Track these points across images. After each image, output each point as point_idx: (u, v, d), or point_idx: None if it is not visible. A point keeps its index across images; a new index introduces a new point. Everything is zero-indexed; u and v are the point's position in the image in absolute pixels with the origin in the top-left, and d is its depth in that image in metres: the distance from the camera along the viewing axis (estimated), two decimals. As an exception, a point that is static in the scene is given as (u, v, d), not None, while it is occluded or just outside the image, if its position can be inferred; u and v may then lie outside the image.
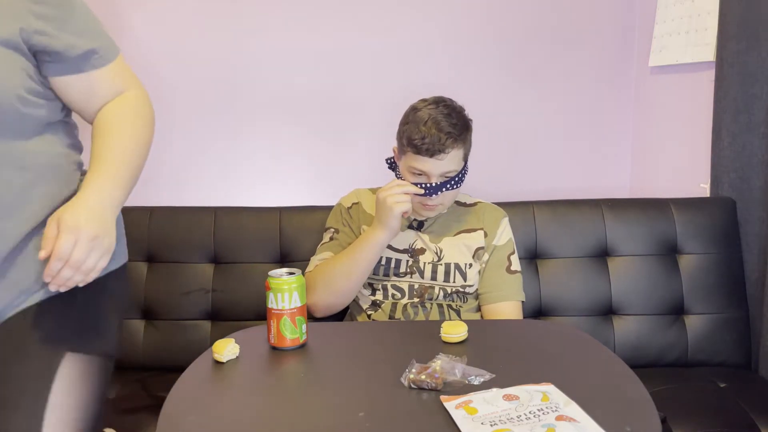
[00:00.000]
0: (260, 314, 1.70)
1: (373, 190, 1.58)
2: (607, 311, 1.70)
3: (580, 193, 2.14)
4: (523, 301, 1.52)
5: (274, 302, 1.09)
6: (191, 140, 2.06)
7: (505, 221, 1.55)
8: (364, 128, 2.09)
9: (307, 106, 2.09)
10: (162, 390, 1.52)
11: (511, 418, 0.79)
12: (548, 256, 1.72)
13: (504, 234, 1.53)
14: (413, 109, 1.45)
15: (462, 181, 1.45)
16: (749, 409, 1.41)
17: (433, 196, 1.41)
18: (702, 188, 1.85)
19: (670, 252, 1.70)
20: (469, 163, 2.18)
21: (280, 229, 1.75)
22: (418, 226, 1.51)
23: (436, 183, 1.41)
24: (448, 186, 1.41)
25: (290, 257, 1.74)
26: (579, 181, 2.22)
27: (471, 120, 1.47)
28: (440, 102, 1.44)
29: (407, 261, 1.49)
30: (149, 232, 1.76)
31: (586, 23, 2.15)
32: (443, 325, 1.12)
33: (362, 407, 0.87)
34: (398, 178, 1.49)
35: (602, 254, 1.72)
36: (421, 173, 1.40)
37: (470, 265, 1.49)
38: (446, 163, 1.39)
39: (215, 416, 0.87)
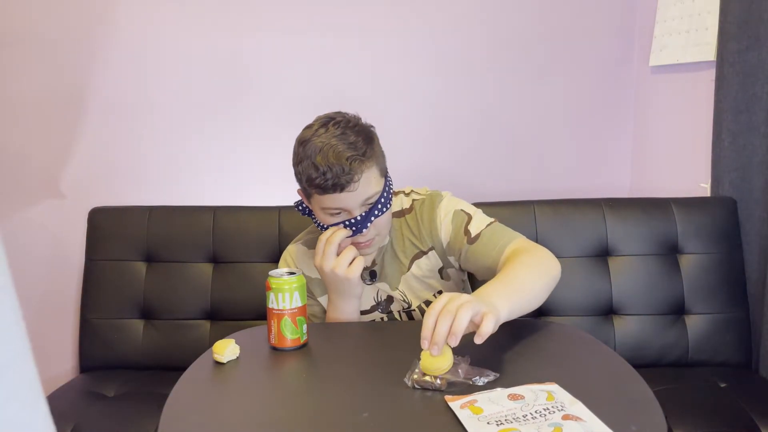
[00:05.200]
0: (260, 314, 1.70)
1: (306, 243, 1.40)
2: (608, 311, 1.70)
3: (580, 192, 2.14)
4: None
5: (274, 302, 1.08)
6: (190, 139, 2.05)
7: (442, 207, 1.30)
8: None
9: (308, 105, 2.07)
10: (162, 389, 1.52)
11: (517, 418, 0.79)
12: (549, 255, 1.72)
13: (445, 221, 1.29)
14: (301, 143, 1.21)
15: (390, 199, 1.24)
16: (749, 409, 1.41)
17: (364, 231, 1.21)
18: (702, 188, 1.85)
19: (670, 252, 1.70)
20: (461, 163, 2.20)
21: (279, 229, 1.75)
22: (371, 277, 1.32)
23: (361, 216, 1.20)
24: (376, 213, 1.21)
25: (290, 257, 1.73)
26: (579, 180, 2.22)
27: (372, 126, 1.25)
28: (328, 123, 1.20)
29: (381, 318, 1.33)
30: (148, 231, 1.75)
31: (586, 23, 2.15)
32: (423, 354, 0.94)
33: (366, 407, 0.86)
34: (315, 223, 1.29)
35: (603, 254, 1.72)
36: (339, 211, 1.20)
37: (440, 291, 1.33)
38: (362, 190, 1.17)
39: (217, 417, 0.86)
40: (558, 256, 1.69)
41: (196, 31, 2.00)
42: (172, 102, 2.02)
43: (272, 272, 1.11)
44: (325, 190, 1.16)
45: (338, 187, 1.15)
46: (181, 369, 1.03)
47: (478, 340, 0.92)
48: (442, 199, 1.32)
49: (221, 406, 0.89)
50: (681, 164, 2.00)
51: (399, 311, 1.33)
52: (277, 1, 2.02)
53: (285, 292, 1.07)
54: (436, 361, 0.92)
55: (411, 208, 1.33)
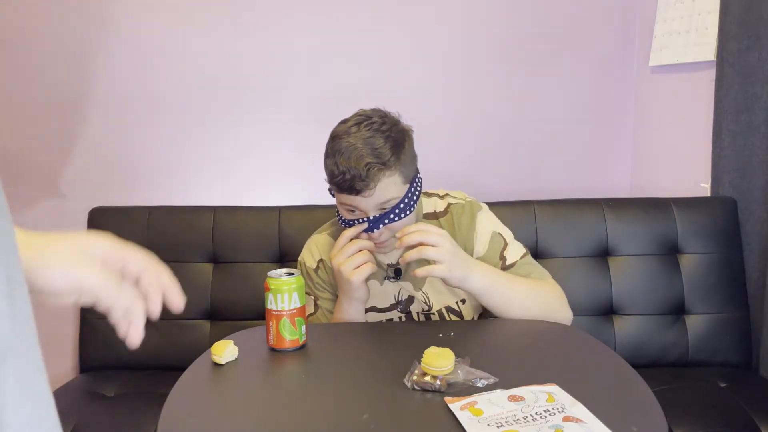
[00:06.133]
0: (260, 314, 1.69)
1: (330, 233, 1.39)
2: (608, 311, 1.70)
3: (580, 192, 2.14)
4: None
5: (273, 303, 1.08)
6: (190, 139, 2.05)
7: (481, 219, 1.33)
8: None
9: (307, 105, 2.08)
10: (162, 389, 1.52)
11: (518, 419, 0.79)
12: (549, 255, 1.72)
13: (483, 236, 1.31)
14: (333, 139, 1.22)
15: (410, 207, 1.23)
16: (749, 409, 1.41)
17: (375, 231, 1.22)
18: (703, 188, 1.85)
19: (670, 251, 1.70)
20: (460, 163, 2.20)
21: (279, 229, 1.75)
22: (396, 274, 1.31)
23: (375, 217, 1.21)
24: (392, 216, 1.21)
25: (290, 257, 1.73)
26: (579, 180, 2.21)
27: (409, 130, 1.26)
28: (362, 122, 1.20)
29: (399, 317, 1.33)
30: (148, 231, 1.75)
31: (586, 23, 2.15)
32: (426, 353, 0.95)
33: (366, 409, 0.86)
34: (337, 212, 1.32)
35: (603, 254, 1.71)
36: (354, 209, 1.22)
37: (464, 301, 1.32)
38: (378, 195, 1.19)
39: (216, 418, 0.86)
40: (558, 256, 1.71)
41: (198, 32, 2.00)
42: (172, 102, 2.02)
43: (271, 273, 1.11)
44: (341, 189, 1.19)
45: (354, 190, 1.17)
46: (181, 369, 1.03)
47: (421, 272, 1.14)
48: (481, 209, 1.35)
49: (220, 406, 0.89)
50: (681, 164, 2.00)
51: (418, 312, 1.33)
52: (278, 2, 2.02)
53: (284, 293, 1.07)
54: (438, 359, 0.93)
55: (446, 212, 1.34)
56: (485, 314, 1.39)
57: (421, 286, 1.31)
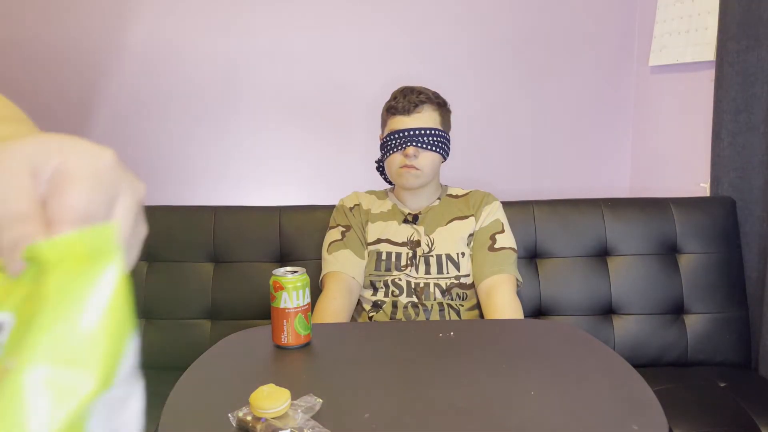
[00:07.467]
0: (260, 314, 1.71)
1: (371, 192, 1.63)
2: (607, 311, 1.70)
3: (579, 192, 2.14)
4: (519, 280, 1.50)
5: (288, 301, 1.09)
6: (191, 139, 2.05)
7: (494, 204, 1.57)
8: (363, 128, 2.09)
9: (307, 105, 2.08)
10: (162, 389, 1.52)
11: None
12: (548, 255, 1.72)
13: (490, 216, 1.55)
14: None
15: (441, 148, 1.48)
16: (749, 409, 1.41)
17: (410, 147, 1.44)
18: (702, 188, 1.85)
19: (669, 251, 1.70)
20: (468, 161, 2.20)
21: (280, 229, 1.75)
22: (414, 219, 1.54)
23: (415, 132, 1.45)
24: (432, 140, 1.46)
25: (290, 257, 1.74)
26: (579, 180, 2.22)
27: (449, 105, 1.56)
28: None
29: (407, 254, 1.51)
30: (149, 231, 1.75)
31: (586, 23, 2.15)
32: (258, 390, 0.85)
33: (367, 408, 0.87)
34: (386, 180, 1.62)
35: (602, 254, 1.72)
36: (401, 135, 1.46)
37: (463, 254, 1.51)
38: (422, 121, 1.46)
39: (218, 417, 0.86)
40: (557, 256, 1.71)
41: (199, 34, 2.00)
42: (173, 103, 2.03)
43: (277, 272, 1.12)
44: (395, 111, 1.47)
45: (404, 110, 1.46)
46: (181, 369, 1.03)
47: None
48: (496, 200, 1.60)
49: (222, 406, 0.90)
50: (680, 164, 2.00)
51: (419, 255, 1.50)
52: (279, 3, 2.02)
53: (298, 289, 1.10)
54: (267, 399, 0.83)
55: (467, 193, 1.61)
56: (484, 314, 1.43)
57: (430, 233, 1.52)
